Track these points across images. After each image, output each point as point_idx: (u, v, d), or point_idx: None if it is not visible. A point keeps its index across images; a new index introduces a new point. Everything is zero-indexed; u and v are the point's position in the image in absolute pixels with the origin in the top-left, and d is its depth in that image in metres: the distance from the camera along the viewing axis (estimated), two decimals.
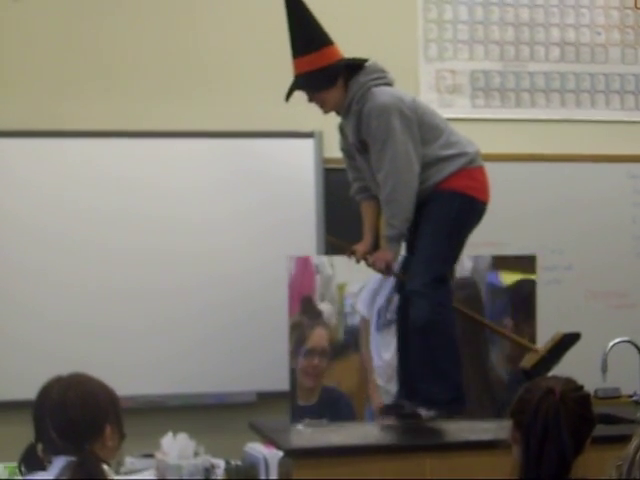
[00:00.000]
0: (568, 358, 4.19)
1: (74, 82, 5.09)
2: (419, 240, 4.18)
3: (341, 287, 4.49)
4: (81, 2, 5.11)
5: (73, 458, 2.62)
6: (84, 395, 2.70)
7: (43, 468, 2.68)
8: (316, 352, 4.39)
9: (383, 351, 4.45)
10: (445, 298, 4.18)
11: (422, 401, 4.14)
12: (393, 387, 4.41)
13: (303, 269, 4.44)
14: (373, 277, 4.38)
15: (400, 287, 4.31)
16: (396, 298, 4.40)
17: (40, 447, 2.71)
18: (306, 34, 4.17)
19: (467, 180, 4.19)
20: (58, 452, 2.66)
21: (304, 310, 4.40)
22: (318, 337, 4.40)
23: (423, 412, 4.13)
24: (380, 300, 4.46)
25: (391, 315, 4.45)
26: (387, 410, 4.34)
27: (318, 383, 4.39)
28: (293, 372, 4.36)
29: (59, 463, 2.64)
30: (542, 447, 2.69)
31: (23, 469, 2.76)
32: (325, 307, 4.44)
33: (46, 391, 2.73)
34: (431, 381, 4.12)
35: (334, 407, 4.44)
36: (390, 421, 4.29)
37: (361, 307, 4.47)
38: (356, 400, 4.47)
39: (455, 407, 4.18)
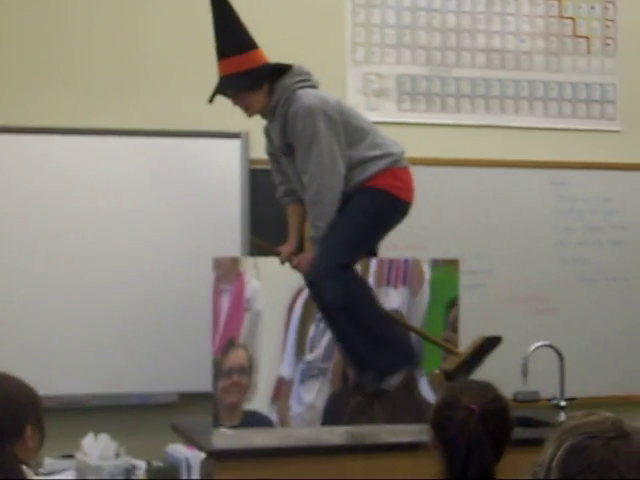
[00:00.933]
0: (489, 361, 4.23)
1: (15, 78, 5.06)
2: (331, 226, 4.15)
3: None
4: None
5: None
6: (4, 395, 2.67)
7: None
8: (235, 370, 4.35)
9: (305, 395, 4.43)
10: (354, 278, 4.19)
11: (380, 373, 4.13)
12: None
13: (236, 295, 4.39)
14: (291, 337, 4.40)
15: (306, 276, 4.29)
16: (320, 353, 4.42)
17: None
18: (232, 36, 4.17)
19: (391, 179, 4.21)
20: None
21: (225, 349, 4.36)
22: (235, 357, 4.36)
23: (386, 384, 4.12)
24: (309, 357, 4.44)
25: (319, 366, 4.44)
26: (355, 392, 4.30)
27: (240, 400, 4.33)
28: (216, 395, 4.31)
29: None
30: (466, 463, 2.78)
31: None
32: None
33: None
34: (378, 351, 4.11)
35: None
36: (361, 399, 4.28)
37: (285, 371, 4.42)
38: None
39: (412, 363, 4.21)
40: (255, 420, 4.34)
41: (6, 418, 2.65)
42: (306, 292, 4.35)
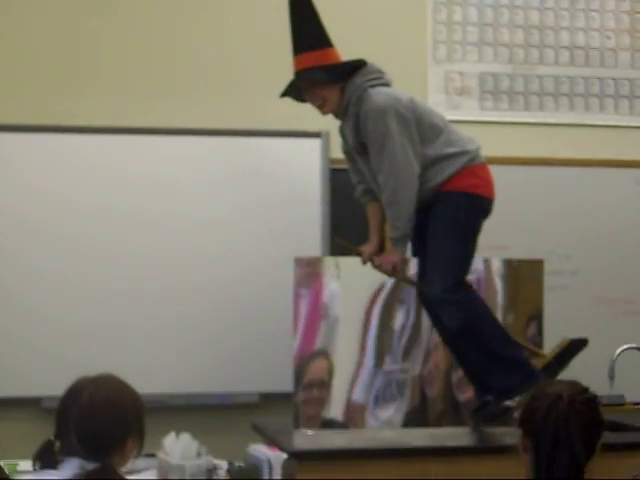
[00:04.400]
0: (574, 364, 4.16)
1: (76, 78, 5.07)
2: (431, 245, 4.13)
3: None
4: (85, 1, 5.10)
5: (86, 462, 2.59)
6: (113, 409, 2.65)
7: (56, 465, 2.64)
8: (314, 384, 4.35)
9: (381, 414, 4.41)
10: (470, 297, 4.14)
11: (502, 393, 4.05)
12: None
13: (314, 301, 4.38)
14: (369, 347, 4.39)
15: (421, 296, 4.28)
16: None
17: (58, 445, 2.67)
18: (312, 31, 4.15)
19: (471, 178, 4.16)
20: (73, 454, 2.62)
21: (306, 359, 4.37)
22: (316, 369, 4.36)
23: (509, 403, 4.03)
24: (378, 383, 4.42)
25: (398, 378, 4.42)
26: (476, 414, 4.23)
27: (319, 411, 4.34)
28: (295, 405, 4.32)
29: (71, 464, 2.61)
30: (554, 454, 2.65)
31: (38, 464, 2.71)
32: None
33: (76, 393, 2.69)
34: (499, 372, 4.05)
35: None
36: (483, 424, 4.22)
37: (358, 396, 4.41)
38: None
39: (535, 381, 4.12)
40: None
41: (110, 433, 2.64)
42: (384, 297, 4.32)
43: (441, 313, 4.11)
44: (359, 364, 4.40)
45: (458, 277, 4.10)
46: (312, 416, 4.32)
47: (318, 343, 4.35)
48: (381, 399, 4.39)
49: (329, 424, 4.35)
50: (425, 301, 4.26)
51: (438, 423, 4.39)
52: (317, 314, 4.37)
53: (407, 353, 4.42)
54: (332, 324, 4.38)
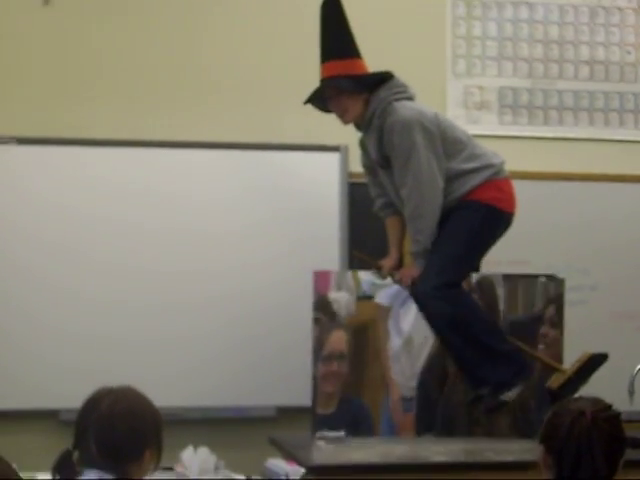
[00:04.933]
0: (593, 380, 4.13)
1: (86, 90, 5.07)
2: (436, 243, 4.11)
3: (355, 274, 4.52)
4: (98, 13, 5.09)
5: (105, 473, 2.59)
6: (132, 420, 2.66)
7: (75, 476, 2.64)
8: (334, 357, 4.38)
9: (402, 323, 4.43)
10: (460, 295, 4.14)
11: (496, 387, 4.06)
12: (410, 382, 4.46)
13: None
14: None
15: (412, 290, 4.26)
16: None
17: (76, 455, 2.68)
18: (342, 40, 4.15)
19: (494, 192, 4.16)
20: (92, 465, 2.63)
21: (320, 308, 4.42)
22: (336, 341, 4.37)
23: (504, 397, 4.06)
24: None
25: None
26: (471, 405, 4.26)
27: (337, 388, 4.37)
28: (315, 379, 4.36)
29: (91, 476, 2.61)
30: (576, 471, 2.64)
31: (57, 476, 2.71)
32: (341, 296, 4.43)
33: (95, 403, 2.70)
34: (490, 366, 4.06)
35: (353, 418, 4.43)
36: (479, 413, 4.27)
37: (383, 299, 4.46)
38: (373, 411, 4.47)
39: (527, 376, 4.13)
40: (352, 410, 4.41)
41: (129, 443, 2.65)
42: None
43: (429, 307, 4.11)
44: None
45: (452, 279, 4.09)
46: (330, 394, 4.34)
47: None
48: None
49: (347, 402, 4.40)
50: (415, 297, 4.23)
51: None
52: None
53: None
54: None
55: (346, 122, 4.27)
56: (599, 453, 2.64)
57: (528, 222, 4.81)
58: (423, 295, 4.10)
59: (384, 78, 4.19)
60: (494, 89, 5.41)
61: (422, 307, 4.16)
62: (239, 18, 5.21)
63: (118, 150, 5.02)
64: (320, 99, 4.25)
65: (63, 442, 2.81)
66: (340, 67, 4.14)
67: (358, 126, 4.29)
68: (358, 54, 4.18)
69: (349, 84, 4.14)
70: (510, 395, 4.04)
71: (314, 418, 4.34)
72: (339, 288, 4.46)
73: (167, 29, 5.15)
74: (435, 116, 4.17)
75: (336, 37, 4.14)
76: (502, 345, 4.13)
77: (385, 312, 4.48)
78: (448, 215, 4.13)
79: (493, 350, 4.07)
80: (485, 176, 4.15)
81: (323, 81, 4.19)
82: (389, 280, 4.31)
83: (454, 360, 4.26)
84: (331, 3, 4.17)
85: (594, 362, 4.13)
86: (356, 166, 4.77)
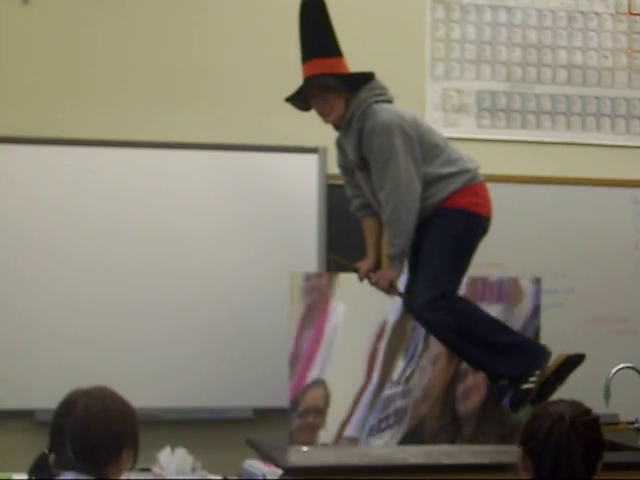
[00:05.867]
0: (570, 384, 4.15)
1: (76, 90, 5.06)
2: (422, 257, 4.14)
3: None
4: (85, 11, 5.09)
5: (81, 475, 2.58)
6: (108, 421, 2.64)
7: (51, 478, 2.63)
8: (311, 412, 4.33)
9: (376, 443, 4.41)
10: (455, 300, 4.14)
11: (516, 379, 4.05)
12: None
13: (318, 324, 4.37)
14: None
15: (408, 307, 4.27)
16: None
17: (53, 458, 2.66)
18: (325, 38, 4.14)
19: (472, 197, 4.17)
20: (69, 468, 2.62)
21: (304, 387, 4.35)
22: (313, 398, 4.34)
23: (525, 386, 4.03)
24: (388, 391, 4.41)
25: (397, 405, 4.43)
26: (499, 397, 4.20)
27: (314, 439, 4.31)
28: (291, 430, 4.31)
29: (68, 477, 2.60)
30: (554, 474, 2.66)
31: (33, 478, 2.70)
32: None
33: (70, 405, 2.67)
34: (503, 360, 4.06)
35: None
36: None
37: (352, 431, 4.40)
38: None
39: (542, 359, 4.10)
40: None
41: (106, 444, 2.63)
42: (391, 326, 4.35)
43: (430, 322, 4.11)
44: (362, 388, 4.38)
45: (445, 292, 4.09)
46: (306, 443, 4.29)
47: (318, 366, 4.33)
48: (376, 430, 4.38)
49: None
50: (412, 313, 4.24)
51: (434, 440, 4.38)
52: (320, 335, 4.35)
53: (410, 377, 4.41)
54: (331, 343, 4.36)
55: (328, 121, 4.26)
56: (577, 457, 2.66)
57: (505, 225, 4.84)
58: (420, 312, 4.11)
59: (367, 78, 4.20)
60: (472, 92, 5.42)
61: (423, 323, 4.19)
62: (219, 21, 5.21)
63: (101, 150, 5.00)
64: (301, 98, 4.24)
65: (39, 443, 2.80)
66: (326, 65, 4.14)
67: (337, 126, 4.29)
68: (341, 53, 4.18)
69: (336, 82, 4.14)
70: (530, 385, 4.02)
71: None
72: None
73: (151, 31, 5.15)
74: (414, 120, 4.18)
75: (321, 35, 4.13)
76: (510, 337, 4.14)
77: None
78: (427, 223, 4.14)
79: (502, 345, 4.07)
80: (462, 181, 4.16)
81: (309, 79, 4.18)
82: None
83: (469, 365, 4.28)
84: (315, 2, 4.17)
85: (571, 363, 4.14)
86: (334, 168, 4.77)
